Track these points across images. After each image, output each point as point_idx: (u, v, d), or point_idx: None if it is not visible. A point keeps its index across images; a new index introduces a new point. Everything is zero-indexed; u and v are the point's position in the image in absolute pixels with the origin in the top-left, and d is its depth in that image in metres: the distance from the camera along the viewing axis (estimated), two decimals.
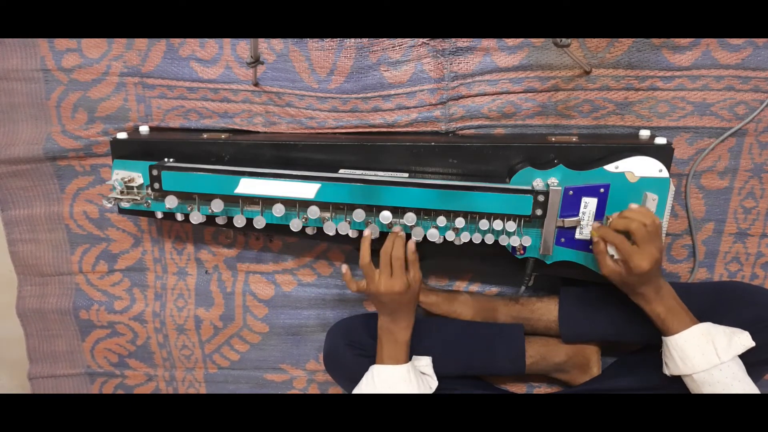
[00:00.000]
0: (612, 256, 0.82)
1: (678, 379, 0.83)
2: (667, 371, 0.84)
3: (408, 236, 0.87)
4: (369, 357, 0.94)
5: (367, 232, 0.87)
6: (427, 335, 0.97)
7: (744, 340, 0.80)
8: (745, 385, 0.78)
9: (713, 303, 0.88)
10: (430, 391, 0.89)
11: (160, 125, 1.02)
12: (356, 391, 0.89)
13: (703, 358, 0.79)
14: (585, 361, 1.02)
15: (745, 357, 0.80)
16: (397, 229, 0.86)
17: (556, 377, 1.06)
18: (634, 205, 0.83)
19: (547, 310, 1.01)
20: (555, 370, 1.04)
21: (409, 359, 0.89)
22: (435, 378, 0.91)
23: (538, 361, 1.01)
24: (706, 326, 0.81)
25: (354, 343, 0.96)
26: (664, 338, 0.84)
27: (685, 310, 0.82)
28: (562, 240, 0.88)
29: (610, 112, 0.94)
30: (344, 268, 0.88)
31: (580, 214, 0.87)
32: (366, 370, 0.92)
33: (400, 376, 0.86)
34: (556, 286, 1.04)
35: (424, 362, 0.93)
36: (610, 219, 0.84)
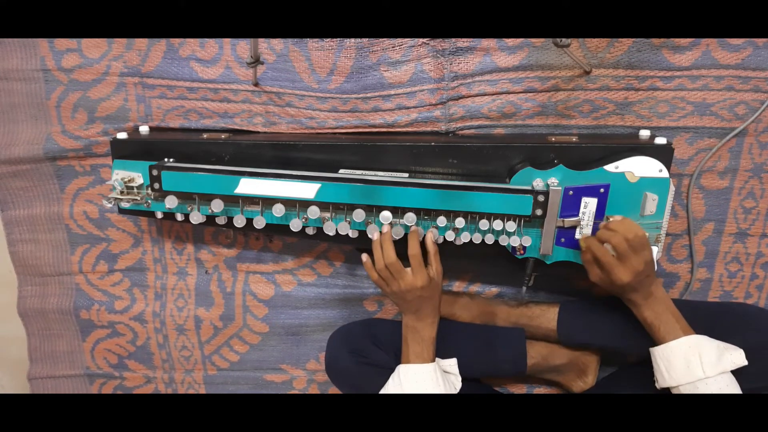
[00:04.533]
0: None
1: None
2: (657, 384, 0.83)
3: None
4: (371, 364, 0.93)
5: (386, 229, 0.86)
6: None
7: (736, 358, 0.78)
8: None
9: (718, 324, 0.86)
10: (455, 391, 0.88)
11: (160, 125, 1.02)
12: (383, 392, 0.88)
13: (687, 370, 0.78)
14: (583, 366, 1.03)
15: (747, 383, 0.79)
16: (412, 228, 0.86)
17: (553, 379, 1.06)
18: (618, 217, 0.83)
19: (546, 318, 1.00)
20: (553, 371, 1.04)
21: (435, 358, 0.88)
22: (459, 378, 0.91)
23: (540, 362, 1.02)
24: (697, 338, 0.80)
25: (356, 351, 0.95)
26: (651, 349, 0.83)
27: (677, 318, 0.81)
28: (562, 240, 0.88)
29: (610, 112, 0.94)
30: (364, 257, 0.88)
31: (580, 214, 0.87)
32: (367, 377, 0.91)
33: (427, 374, 0.85)
34: (556, 286, 1.04)
35: (449, 362, 0.92)
36: (610, 219, 0.84)
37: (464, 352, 0.98)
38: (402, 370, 0.87)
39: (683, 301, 0.90)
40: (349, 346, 0.95)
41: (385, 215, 0.86)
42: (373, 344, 0.94)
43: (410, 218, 0.86)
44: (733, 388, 0.77)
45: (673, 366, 0.79)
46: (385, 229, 0.86)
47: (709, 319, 0.87)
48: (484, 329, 1.01)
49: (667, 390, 0.82)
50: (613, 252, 0.81)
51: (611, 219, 0.83)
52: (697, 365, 0.78)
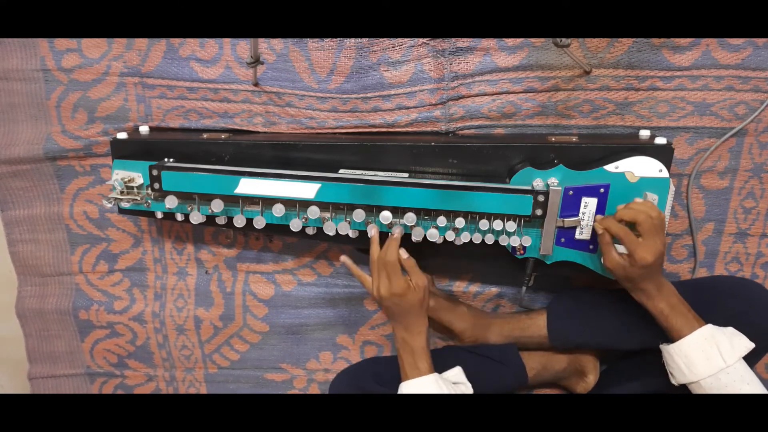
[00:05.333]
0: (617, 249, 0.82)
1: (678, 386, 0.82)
2: (673, 381, 0.82)
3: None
4: None
5: (372, 232, 0.86)
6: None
7: (745, 342, 0.79)
8: (755, 387, 0.76)
9: (697, 300, 0.86)
10: None
11: (160, 125, 1.02)
12: None
13: (708, 362, 0.77)
14: (582, 368, 1.03)
15: None
16: (397, 230, 0.85)
17: (556, 383, 1.07)
18: (639, 200, 0.83)
19: (537, 327, 1.00)
20: (555, 377, 1.05)
21: (433, 369, 0.86)
22: (469, 385, 0.89)
23: (540, 371, 1.02)
24: (709, 330, 0.80)
25: (358, 389, 0.93)
26: (665, 347, 0.83)
27: (689, 308, 0.81)
28: (562, 240, 0.88)
29: (610, 112, 0.94)
30: (343, 258, 0.89)
31: (580, 214, 0.87)
32: None
33: (429, 386, 0.83)
34: (556, 286, 1.04)
35: (455, 371, 0.90)
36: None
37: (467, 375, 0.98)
38: (404, 387, 0.84)
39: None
40: (351, 384, 0.94)
41: (385, 215, 0.86)
42: (375, 382, 0.93)
43: (410, 218, 0.86)
44: (751, 374, 0.77)
45: (693, 361, 0.78)
46: (372, 231, 0.86)
47: (691, 294, 0.86)
48: (479, 350, 1.01)
49: (683, 386, 0.81)
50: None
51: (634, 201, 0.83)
52: (716, 356, 0.77)
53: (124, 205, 0.94)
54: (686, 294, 0.86)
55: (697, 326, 0.80)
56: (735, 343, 0.78)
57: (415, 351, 0.84)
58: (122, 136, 0.96)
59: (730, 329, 0.81)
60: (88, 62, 0.99)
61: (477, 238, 0.89)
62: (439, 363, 0.90)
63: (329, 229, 0.88)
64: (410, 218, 0.86)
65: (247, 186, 0.87)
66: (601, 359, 1.05)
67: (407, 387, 0.84)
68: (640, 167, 0.85)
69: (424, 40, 0.92)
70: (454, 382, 0.89)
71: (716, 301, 0.87)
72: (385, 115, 0.96)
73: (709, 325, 0.80)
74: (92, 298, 1.15)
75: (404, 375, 0.85)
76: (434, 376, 0.84)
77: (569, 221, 0.87)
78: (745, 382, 0.76)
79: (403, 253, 0.83)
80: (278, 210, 0.87)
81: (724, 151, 0.96)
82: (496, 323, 1.03)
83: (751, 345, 0.79)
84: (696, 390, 0.80)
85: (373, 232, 0.86)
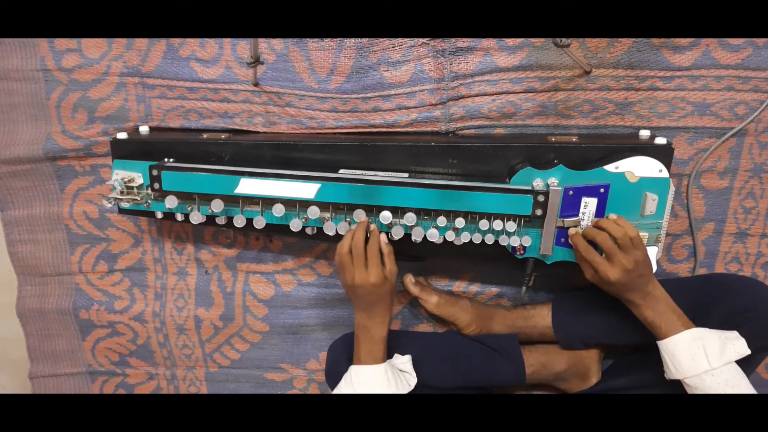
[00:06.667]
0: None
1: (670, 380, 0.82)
2: (666, 376, 0.83)
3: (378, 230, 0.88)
4: None
5: (363, 217, 0.86)
6: (428, 349, 0.98)
7: (739, 348, 0.78)
8: (741, 392, 0.76)
9: (702, 295, 0.87)
10: (409, 389, 0.89)
11: (160, 125, 1.02)
12: (336, 391, 0.88)
13: (692, 362, 0.78)
14: (585, 370, 1.03)
15: None
16: (372, 226, 0.86)
17: (555, 386, 1.06)
18: (609, 217, 0.83)
19: (540, 317, 1.01)
20: (555, 378, 1.04)
21: (387, 357, 0.88)
22: (414, 375, 0.91)
23: (539, 370, 1.02)
24: (698, 331, 0.80)
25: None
26: (657, 343, 0.83)
27: (678, 314, 0.81)
28: (562, 240, 0.88)
29: (610, 112, 0.94)
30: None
31: (580, 214, 0.87)
32: None
33: (378, 375, 0.86)
34: (556, 286, 1.04)
35: (404, 359, 0.92)
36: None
37: (464, 364, 0.99)
38: (354, 371, 0.87)
39: (666, 280, 0.90)
40: (349, 353, 0.95)
41: (385, 215, 0.86)
42: None
43: (410, 218, 0.86)
44: (739, 378, 0.77)
45: (678, 359, 0.79)
46: (362, 216, 0.87)
47: (693, 291, 0.88)
48: (480, 339, 1.01)
49: (676, 381, 0.82)
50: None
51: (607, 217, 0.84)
52: (702, 357, 0.77)
53: (124, 205, 0.94)
54: (690, 290, 0.86)
55: (683, 330, 0.80)
56: (728, 347, 0.78)
57: (374, 340, 0.87)
58: (122, 136, 0.96)
59: (733, 333, 0.80)
60: (88, 62, 0.99)
61: (477, 238, 0.89)
62: (442, 346, 0.92)
63: (329, 229, 0.88)
64: (410, 218, 0.86)
65: (247, 186, 0.87)
66: (603, 357, 1.05)
67: (357, 371, 0.86)
68: (640, 167, 0.85)
69: (424, 40, 0.92)
70: (401, 369, 0.91)
71: (721, 297, 0.87)
72: (385, 115, 0.96)
73: (702, 329, 0.80)
74: (92, 298, 1.15)
75: (357, 359, 0.88)
76: (385, 366, 0.87)
77: (569, 221, 0.87)
78: (730, 386, 0.76)
79: (384, 238, 0.86)
80: (278, 210, 0.87)
81: (724, 151, 0.96)
82: (500, 313, 1.03)
83: (746, 351, 0.78)
84: (685, 387, 0.81)
85: (363, 218, 0.87)
